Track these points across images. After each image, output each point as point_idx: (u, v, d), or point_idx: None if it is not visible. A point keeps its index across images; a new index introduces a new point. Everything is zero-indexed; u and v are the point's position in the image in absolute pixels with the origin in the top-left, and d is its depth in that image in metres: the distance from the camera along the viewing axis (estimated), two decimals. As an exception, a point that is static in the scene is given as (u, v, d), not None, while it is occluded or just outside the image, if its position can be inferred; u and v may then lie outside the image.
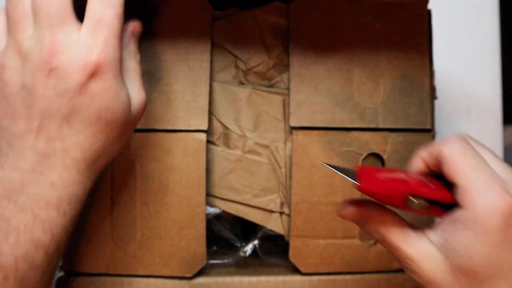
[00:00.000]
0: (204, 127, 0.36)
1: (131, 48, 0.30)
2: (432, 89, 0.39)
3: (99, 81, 0.26)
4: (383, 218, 0.26)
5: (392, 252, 0.26)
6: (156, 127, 0.36)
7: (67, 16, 0.26)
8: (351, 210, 0.27)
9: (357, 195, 0.37)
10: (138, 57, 0.31)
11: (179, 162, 0.37)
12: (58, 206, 0.26)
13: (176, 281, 0.36)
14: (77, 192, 0.27)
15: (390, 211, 0.26)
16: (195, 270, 0.37)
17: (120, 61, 0.27)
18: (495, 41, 0.57)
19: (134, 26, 0.31)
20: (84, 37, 0.26)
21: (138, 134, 0.37)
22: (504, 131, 0.58)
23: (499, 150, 0.57)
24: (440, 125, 0.56)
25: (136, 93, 0.29)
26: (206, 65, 0.37)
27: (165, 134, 0.37)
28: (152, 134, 0.37)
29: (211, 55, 0.37)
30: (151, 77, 0.37)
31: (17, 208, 0.25)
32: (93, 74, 0.25)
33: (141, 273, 0.37)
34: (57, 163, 0.26)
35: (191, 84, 0.37)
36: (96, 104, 0.26)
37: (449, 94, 0.57)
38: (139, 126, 0.36)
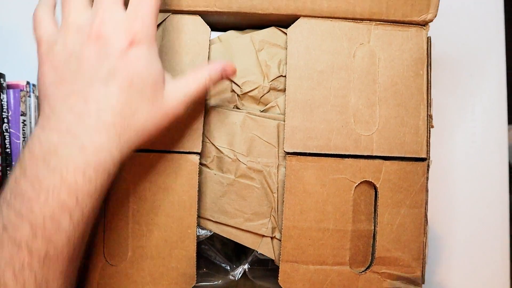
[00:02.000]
0: (198, 149, 0.36)
1: (213, 76, 0.34)
2: (429, 117, 0.39)
3: (136, 49, 0.29)
4: None
5: None
6: (151, 148, 0.37)
7: (119, 2, 0.30)
8: None
9: (349, 222, 0.37)
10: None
11: (171, 183, 0.37)
12: (84, 171, 0.27)
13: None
14: (104, 160, 0.28)
15: None
16: None
17: (155, 38, 0.31)
18: (501, 40, 0.57)
19: (227, 66, 0.34)
20: (128, 13, 0.30)
21: (133, 154, 0.37)
22: (509, 130, 0.58)
23: (504, 149, 0.56)
24: (446, 125, 0.56)
25: (183, 81, 0.32)
26: None
27: (158, 154, 0.37)
28: (145, 154, 0.37)
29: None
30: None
31: (49, 169, 0.26)
32: (132, 42, 0.29)
33: (132, 290, 0.37)
34: (89, 125, 0.28)
35: None
36: (131, 69, 0.29)
37: (455, 93, 0.56)
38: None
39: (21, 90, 0.49)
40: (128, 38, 0.29)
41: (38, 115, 0.30)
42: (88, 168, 0.27)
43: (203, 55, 0.37)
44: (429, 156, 0.39)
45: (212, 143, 0.38)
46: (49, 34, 0.31)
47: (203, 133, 0.37)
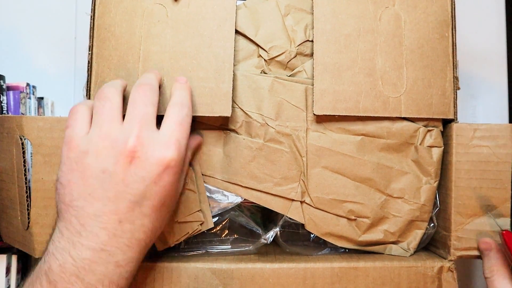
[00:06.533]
0: (228, 113, 0.36)
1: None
2: (455, 79, 0.39)
3: (171, 174, 0.30)
4: (502, 265, 0.35)
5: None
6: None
7: (152, 121, 0.31)
8: (488, 247, 0.36)
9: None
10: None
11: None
12: (118, 283, 0.29)
13: (199, 266, 0.36)
14: (134, 269, 0.30)
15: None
16: None
17: (184, 159, 0.32)
18: (502, 41, 0.57)
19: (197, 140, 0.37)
20: (164, 135, 0.30)
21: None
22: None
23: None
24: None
25: None
26: (230, 52, 0.37)
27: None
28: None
29: (235, 42, 0.37)
30: (175, 63, 0.37)
31: (84, 285, 0.27)
32: (167, 167, 0.29)
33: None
34: (124, 244, 0.29)
35: (215, 70, 0.36)
36: (164, 192, 0.30)
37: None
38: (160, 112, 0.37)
39: (21, 92, 0.49)
40: (165, 163, 0.29)
41: (58, 218, 0.29)
42: (121, 280, 0.29)
43: (230, 21, 0.37)
44: (457, 117, 0.39)
45: (240, 108, 0.38)
46: (79, 137, 0.29)
47: (232, 99, 0.37)
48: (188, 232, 0.37)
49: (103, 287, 0.28)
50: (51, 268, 0.27)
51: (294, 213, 0.38)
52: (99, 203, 0.28)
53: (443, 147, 0.39)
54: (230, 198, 0.38)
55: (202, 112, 0.36)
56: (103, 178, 0.28)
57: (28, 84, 0.51)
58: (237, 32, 0.38)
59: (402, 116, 0.38)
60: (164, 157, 0.29)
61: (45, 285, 0.27)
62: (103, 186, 0.28)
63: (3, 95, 0.48)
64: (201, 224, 0.37)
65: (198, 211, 0.37)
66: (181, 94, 0.33)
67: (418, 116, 0.38)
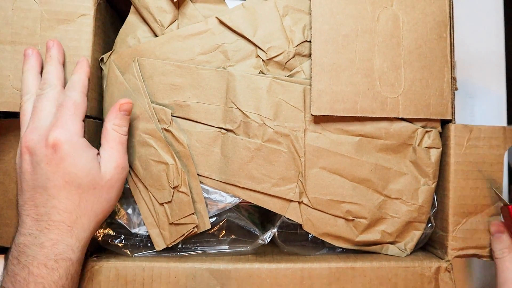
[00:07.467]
0: None
1: (117, 122, 0.35)
2: (453, 79, 0.39)
3: (60, 152, 0.32)
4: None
5: (496, 270, 0.37)
6: None
7: (44, 111, 0.34)
8: (499, 229, 0.38)
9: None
10: (123, 129, 0.35)
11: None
12: (46, 263, 0.31)
13: (197, 266, 0.36)
14: (62, 250, 0.32)
15: None
16: None
17: (82, 134, 0.33)
18: (500, 42, 0.57)
19: (122, 104, 0.35)
20: (49, 119, 0.33)
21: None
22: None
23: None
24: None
25: (111, 159, 0.34)
26: None
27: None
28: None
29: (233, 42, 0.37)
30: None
31: (20, 265, 0.31)
32: (54, 147, 0.32)
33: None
34: (44, 226, 0.32)
35: None
36: (60, 171, 0.32)
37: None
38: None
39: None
40: (50, 144, 0.32)
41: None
42: (48, 261, 0.31)
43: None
44: (454, 118, 0.39)
45: (238, 109, 0.38)
46: None
47: (230, 99, 0.37)
48: (184, 234, 0.37)
49: (32, 267, 0.31)
50: (8, 257, 0.32)
51: (292, 213, 0.38)
52: (22, 195, 0.33)
53: (441, 148, 0.39)
54: (228, 199, 0.38)
55: None
56: (21, 175, 0.33)
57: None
58: (235, 32, 0.38)
59: (400, 117, 0.38)
60: (47, 139, 0.32)
61: (4, 272, 0.32)
62: (22, 180, 0.33)
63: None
64: (196, 227, 0.37)
65: (191, 214, 0.37)
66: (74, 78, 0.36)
67: (416, 117, 0.38)
